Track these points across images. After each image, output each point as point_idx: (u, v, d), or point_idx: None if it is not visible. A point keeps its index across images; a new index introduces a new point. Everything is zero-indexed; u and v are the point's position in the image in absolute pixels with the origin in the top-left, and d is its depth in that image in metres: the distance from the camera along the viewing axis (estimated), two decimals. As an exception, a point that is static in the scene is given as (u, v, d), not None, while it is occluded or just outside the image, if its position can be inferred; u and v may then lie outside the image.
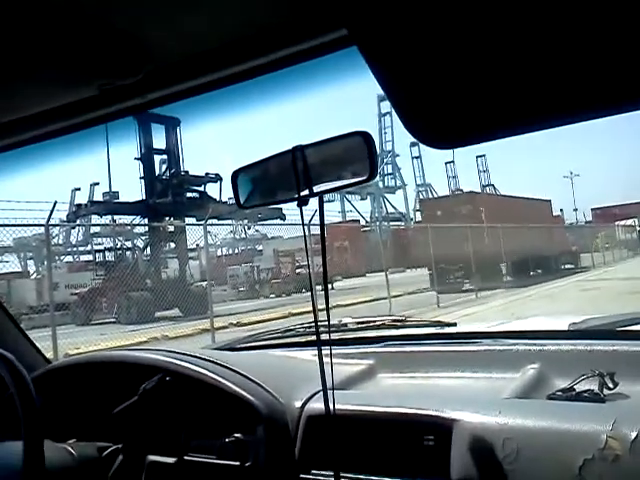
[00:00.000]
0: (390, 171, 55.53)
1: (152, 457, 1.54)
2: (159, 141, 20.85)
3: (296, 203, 1.04)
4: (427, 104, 0.59)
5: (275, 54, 0.93)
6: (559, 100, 0.54)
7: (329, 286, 1.11)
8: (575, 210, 42.84)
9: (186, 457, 1.48)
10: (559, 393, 1.25)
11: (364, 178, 0.99)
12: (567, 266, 23.18)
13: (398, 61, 0.58)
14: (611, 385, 1.24)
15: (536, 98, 0.54)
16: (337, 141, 1.00)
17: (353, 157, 1.00)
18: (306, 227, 1.12)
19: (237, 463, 1.39)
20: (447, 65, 0.56)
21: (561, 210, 32.74)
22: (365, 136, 0.98)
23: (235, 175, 1.12)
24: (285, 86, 1.15)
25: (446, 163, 56.80)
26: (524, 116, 0.57)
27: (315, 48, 0.90)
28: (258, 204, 1.22)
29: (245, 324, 12.80)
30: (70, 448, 1.47)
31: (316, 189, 1.01)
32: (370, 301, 15.23)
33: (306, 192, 1.01)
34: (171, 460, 1.51)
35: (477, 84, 0.56)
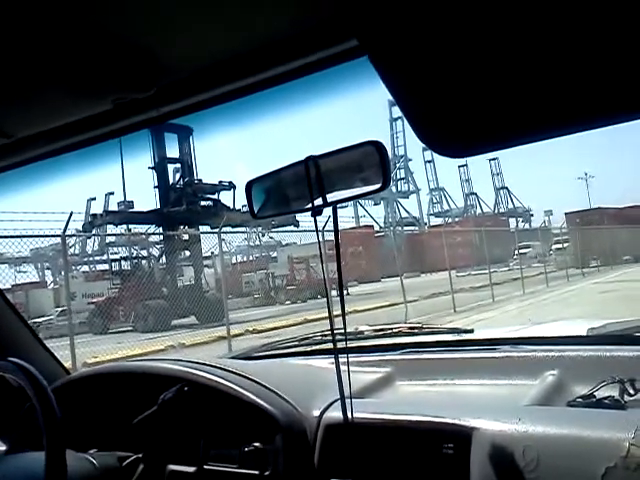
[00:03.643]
0: (403, 176, 55.54)
1: (172, 467, 1.55)
2: (172, 150, 21.02)
3: (310, 213, 1.04)
4: (438, 113, 0.59)
5: (287, 66, 0.93)
6: (568, 108, 0.54)
7: (344, 291, 1.11)
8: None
9: (206, 466, 1.49)
10: (579, 400, 1.24)
11: (377, 187, 0.99)
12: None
13: (408, 70, 0.58)
14: (632, 391, 1.22)
15: (546, 108, 0.54)
16: (350, 151, 1.01)
17: (366, 166, 1.00)
18: (320, 234, 1.12)
19: (257, 472, 1.39)
20: (458, 74, 0.56)
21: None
22: (377, 145, 0.98)
23: (249, 185, 1.13)
24: (297, 97, 1.15)
25: (459, 166, 56.81)
26: (534, 125, 0.56)
27: (326, 59, 0.91)
28: (272, 214, 1.22)
29: (261, 331, 12.81)
30: (91, 458, 1.48)
31: (330, 199, 1.01)
32: (386, 306, 15.19)
33: (320, 202, 1.01)
34: (191, 469, 1.51)
35: (487, 94, 0.56)
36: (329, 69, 0.96)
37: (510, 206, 56.83)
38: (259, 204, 1.14)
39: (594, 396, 1.23)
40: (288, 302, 21.83)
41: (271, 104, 1.15)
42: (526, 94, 0.55)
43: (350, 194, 1.02)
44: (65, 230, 9.97)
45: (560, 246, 26.15)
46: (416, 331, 1.91)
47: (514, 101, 0.56)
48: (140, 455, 1.56)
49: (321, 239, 1.14)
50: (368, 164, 0.99)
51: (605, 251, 26.65)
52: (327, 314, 1.15)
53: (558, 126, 0.56)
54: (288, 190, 1.10)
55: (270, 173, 1.11)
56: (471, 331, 1.89)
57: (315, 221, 1.06)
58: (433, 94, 0.58)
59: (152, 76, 0.94)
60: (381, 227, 44.07)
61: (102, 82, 0.94)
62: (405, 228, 44.50)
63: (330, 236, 1.19)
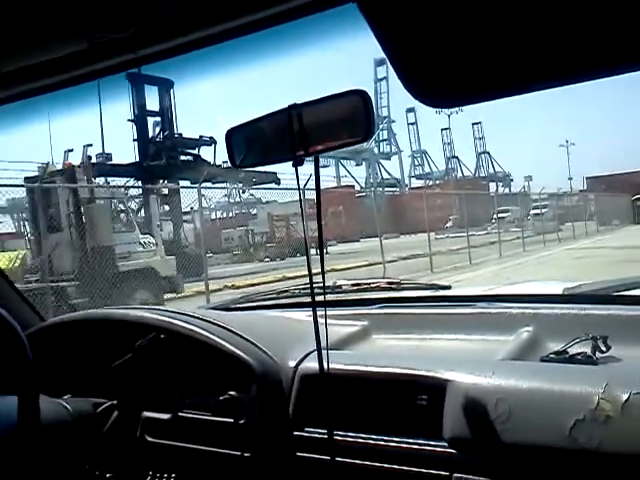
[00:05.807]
0: (385, 137, 55.35)
1: (147, 413, 1.56)
2: (152, 103, 20.60)
3: (291, 163, 1.02)
4: (426, 62, 0.58)
5: (272, 9, 0.90)
6: (557, 60, 0.53)
7: (324, 250, 1.10)
8: (570, 179, 43.74)
9: (180, 413, 1.50)
10: (552, 355, 1.27)
11: (361, 138, 0.98)
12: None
13: (398, 19, 0.57)
14: (604, 348, 1.25)
15: (534, 59, 0.54)
16: (334, 100, 0.99)
17: (350, 116, 0.98)
18: (301, 191, 1.10)
19: (231, 420, 1.41)
20: (447, 23, 0.55)
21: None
22: (362, 95, 0.97)
23: (229, 134, 1.10)
24: (281, 43, 1.12)
25: (442, 130, 56.68)
26: (522, 76, 0.56)
27: (314, 3, 0.88)
28: (253, 164, 1.20)
29: (240, 287, 12.84)
30: (65, 403, 1.48)
31: (312, 149, 0.99)
32: (365, 266, 15.29)
33: (302, 152, 0.99)
34: (166, 416, 1.52)
35: (476, 43, 0.55)
36: (315, 15, 0.93)
37: (491, 170, 57.11)
38: (240, 154, 1.12)
39: (567, 352, 1.26)
40: (267, 259, 21.86)
41: (253, 50, 1.11)
42: (515, 45, 0.54)
43: (333, 144, 1.00)
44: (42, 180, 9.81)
45: (538, 212, 26.52)
46: (394, 286, 1.93)
47: (503, 52, 0.55)
48: (115, 402, 1.57)
49: (302, 195, 1.12)
50: (352, 114, 0.97)
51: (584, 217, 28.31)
52: (305, 272, 1.15)
53: (546, 78, 0.56)
54: (270, 139, 1.08)
55: (251, 121, 1.08)
56: (448, 287, 1.91)
57: (297, 171, 1.04)
58: (422, 42, 0.57)
59: (131, 16, 0.91)
60: (362, 187, 44.03)
61: (78, 19, 0.90)
62: (386, 189, 44.48)
63: (311, 195, 1.17)
